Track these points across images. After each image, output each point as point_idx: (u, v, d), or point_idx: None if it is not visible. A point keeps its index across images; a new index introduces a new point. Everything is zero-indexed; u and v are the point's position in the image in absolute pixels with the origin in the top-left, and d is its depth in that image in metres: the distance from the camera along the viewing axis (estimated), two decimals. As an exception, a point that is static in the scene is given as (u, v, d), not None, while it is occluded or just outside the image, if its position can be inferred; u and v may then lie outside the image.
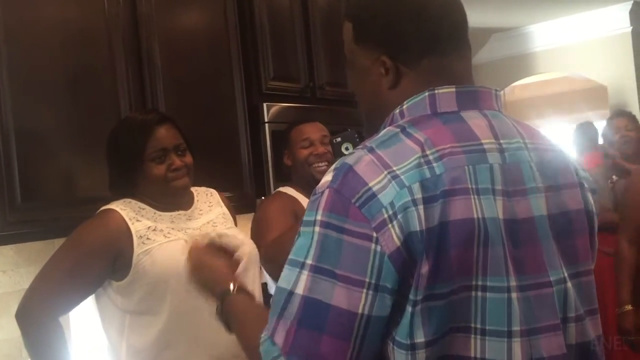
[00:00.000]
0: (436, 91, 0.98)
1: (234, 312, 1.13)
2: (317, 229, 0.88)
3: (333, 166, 0.93)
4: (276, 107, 2.77)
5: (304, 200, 2.27)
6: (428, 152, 0.90)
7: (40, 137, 1.95)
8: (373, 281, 0.85)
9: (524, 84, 7.47)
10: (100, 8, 2.13)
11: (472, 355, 0.88)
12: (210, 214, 1.91)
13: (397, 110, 0.99)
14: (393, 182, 0.87)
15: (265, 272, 2.28)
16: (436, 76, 0.99)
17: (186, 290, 1.65)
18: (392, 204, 0.86)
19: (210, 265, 1.26)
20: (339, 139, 1.93)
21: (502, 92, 1.06)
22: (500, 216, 0.90)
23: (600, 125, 4.59)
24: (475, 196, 0.89)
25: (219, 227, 1.88)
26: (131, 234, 1.71)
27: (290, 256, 0.90)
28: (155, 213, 1.79)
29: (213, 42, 2.58)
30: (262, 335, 0.89)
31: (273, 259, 2.09)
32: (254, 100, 2.73)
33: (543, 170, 0.98)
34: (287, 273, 0.90)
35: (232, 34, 2.64)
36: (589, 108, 7.31)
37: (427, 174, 0.88)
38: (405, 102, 0.99)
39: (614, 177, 3.66)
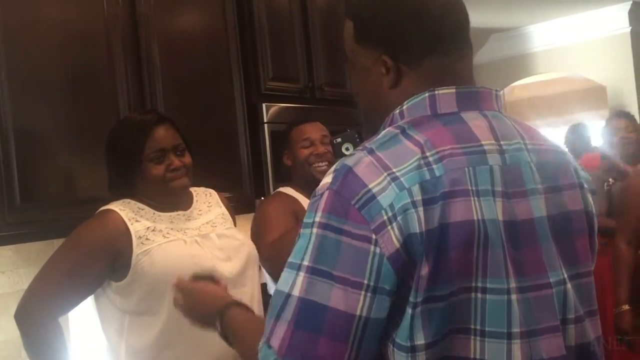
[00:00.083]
0: (436, 92, 0.97)
1: (232, 326, 1.14)
2: (314, 230, 0.87)
3: (333, 168, 0.93)
4: (275, 107, 2.77)
5: (303, 200, 2.27)
6: (428, 154, 0.90)
7: (40, 137, 1.95)
8: (372, 283, 0.85)
9: (523, 84, 7.47)
10: (99, 8, 2.13)
11: (472, 356, 0.88)
12: (209, 214, 1.91)
13: (397, 111, 0.99)
14: (393, 183, 0.87)
15: (265, 273, 2.28)
16: (437, 76, 0.99)
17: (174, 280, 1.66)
18: (391, 205, 0.86)
19: (200, 290, 1.30)
20: (339, 140, 1.93)
21: (501, 93, 1.05)
22: (500, 218, 0.90)
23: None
24: (475, 198, 0.89)
25: (218, 227, 1.88)
26: (130, 234, 1.71)
27: (289, 259, 0.90)
28: (154, 213, 1.79)
29: (212, 43, 2.58)
30: (260, 341, 0.89)
31: (273, 259, 2.09)
32: (253, 100, 2.73)
33: (543, 171, 0.97)
34: (285, 276, 0.89)
35: (231, 34, 2.64)
36: (588, 108, 7.32)
37: (427, 176, 0.88)
38: (405, 103, 0.99)
39: (610, 180, 3.65)
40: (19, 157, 1.86)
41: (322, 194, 0.90)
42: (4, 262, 2.13)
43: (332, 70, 3.14)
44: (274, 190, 2.61)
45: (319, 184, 0.93)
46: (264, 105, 2.72)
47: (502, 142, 0.96)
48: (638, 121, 4.13)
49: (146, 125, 1.77)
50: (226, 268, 1.79)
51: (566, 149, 1.09)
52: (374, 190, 0.87)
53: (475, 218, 0.88)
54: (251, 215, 2.41)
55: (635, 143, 3.79)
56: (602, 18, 6.00)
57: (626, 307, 2.86)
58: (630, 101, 5.83)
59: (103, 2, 2.13)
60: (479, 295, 0.88)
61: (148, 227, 1.74)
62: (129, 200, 1.79)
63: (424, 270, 0.85)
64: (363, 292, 0.84)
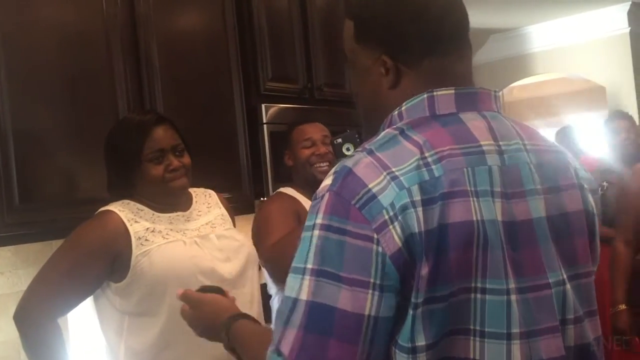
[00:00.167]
0: (435, 93, 0.97)
1: (240, 338, 1.15)
2: (316, 232, 0.87)
3: (332, 170, 0.93)
4: (274, 108, 2.77)
5: (304, 201, 2.27)
6: (427, 154, 0.90)
7: (38, 138, 1.95)
8: (378, 281, 0.84)
9: (522, 84, 7.47)
10: (98, 9, 2.13)
11: (472, 357, 0.88)
12: (208, 215, 1.91)
13: (396, 112, 0.99)
14: (392, 183, 0.87)
15: (265, 273, 2.27)
16: (437, 76, 0.99)
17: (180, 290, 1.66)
18: (392, 205, 0.86)
19: (208, 302, 1.30)
20: (339, 140, 1.92)
21: (500, 93, 1.05)
22: (499, 218, 0.90)
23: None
24: (474, 198, 0.89)
25: (217, 228, 1.88)
26: (129, 235, 1.70)
27: (293, 264, 0.89)
28: (153, 214, 1.79)
29: (211, 43, 2.58)
30: (269, 349, 0.88)
31: (275, 261, 2.09)
32: (253, 101, 2.73)
33: (542, 172, 0.97)
34: (291, 281, 0.88)
35: (230, 34, 2.64)
36: (588, 109, 7.32)
37: (426, 176, 0.88)
38: (404, 104, 0.99)
39: (604, 183, 3.65)
40: (18, 157, 1.86)
41: (322, 196, 0.90)
42: (2, 263, 2.13)
43: (331, 70, 3.14)
44: (273, 191, 2.61)
45: (320, 185, 0.93)
46: (263, 105, 2.72)
47: (501, 143, 0.96)
48: (638, 121, 4.13)
49: (145, 125, 1.77)
50: (225, 269, 1.79)
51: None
52: (374, 190, 0.87)
53: (474, 219, 0.88)
54: (250, 216, 2.40)
55: (636, 143, 3.78)
56: (602, 19, 6.00)
57: (623, 306, 2.88)
58: (630, 102, 5.83)
59: (102, 3, 2.13)
60: (479, 295, 0.88)
61: (147, 228, 1.74)
62: (128, 201, 1.79)
63: (424, 271, 0.85)
64: (370, 291, 0.84)
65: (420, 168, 0.89)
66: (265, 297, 2.22)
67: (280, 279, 2.15)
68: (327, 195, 0.89)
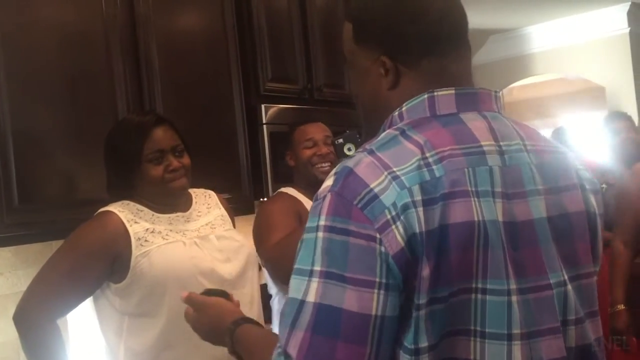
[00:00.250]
0: (435, 93, 0.98)
1: (244, 342, 1.15)
2: (320, 234, 0.87)
3: (333, 171, 0.93)
4: (274, 108, 2.77)
5: (306, 201, 2.26)
6: (427, 155, 0.90)
7: (38, 138, 1.95)
8: (383, 280, 0.84)
9: (522, 85, 7.47)
10: (97, 9, 2.13)
11: (472, 358, 0.88)
12: (208, 215, 1.91)
13: (397, 113, 0.99)
14: (394, 182, 0.87)
15: (265, 273, 2.27)
16: (436, 77, 0.99)
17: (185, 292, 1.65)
18: (394, 204, 0.86)
19: (212, 305, 1.29)
20: (340, 140, 1.92)
21: (501, 93, 1.05)
22: (500, 219, 0.90)
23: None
24: (475, 199, 0.89)
25: (217, 229, 1.88)
26: (129, 236, 1.70)
27: (297, 265, 0.89)
28: (153, 215, 1.78)
29: (211, 44, 2.58)
30: (275, 351, 0.88)
31: (276, 261, 2.08)
32: (252, 101, 2.73)
33: (543, 172, 0.97)
34: (296, 283, 0.88)
35: (230, 35, 2.64)
36: (587, 109, 7.32)
37: (427, 177, 0.88)
38: (404, 105, 0.99)
39: (603, 185, 3.65)
40: (18, 158, 1.86)
41: (324, 197, 0.90)
42: (2, 264, 2.13)
43: (331, 71, 3.14)
44: (273, 191, 2.61)
45: (321, 185, 0.93)
46: (262, 106, 2.72)
47: (501, 143, 0.96)
48: (637, 121, 4.13)
49: (145, 126, 1.77)
50: (225, 270, 1.79)
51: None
52: (376, 190, 0.87)
53: (475, 219, 0.88)
54: (250, 217, 2.40)
55: (635, 142, 3.78)
56: (601, 19, 6.00)
57: (622, 307, 2.89)
58: (629, 102, 5.83)
59: (101, 3, 2.13)
60: (479, 296, 0.88)
61: (147, 229, 1.73)
62: (127, 201, 1.79)
63: (425, 271, 0.85)
64: (376, 291, 0.84)
65: (421, 168, 0.89)
66: (266, 297, 2.22)
67: (281, 279, 2.15)
68: (328, 196, 0.89)
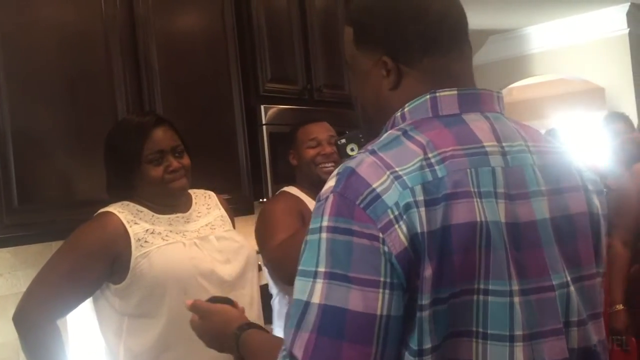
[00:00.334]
0: (437, 94, 0.97)
1: (249, 347, 1.15)
2: (324, 235, 0.87)
3: (335, 171, 0.93)
4: (274, 109, 2.77)
5: (308, 201, 2.26)
6: (430, 155, 0.90)
7: (38, 139, 1.94)
8: (387, 279, 0.84)
9: (521, 85, 7.48)
10: (97, 10, 2.12)
11: (475, 359, 0.88)
12: (208, 216, 1.91)
13: (399, 114, 0.99)
14: (396, 182, 0.87)
15: (266, 274, 2.27)
16: (437, 76, 0.99)
17: (184, 293, 1.65)
18: (397, 204, 0.85)
19: (217, 312, 1.29)
20: (343, 141, 1.92)
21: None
22: (503, 219, 0.90)
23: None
24: (478, 199, 0.89)
25: (217, 229, 1.88)
26: (129, 236, 1.70)
27: (301, 267, 0.89)
28: (153, 216, 1.78)
29: (210, 44, 2.57)
30: (280, 354, 0.88)
31: (279, 261, 2.08)
32: (252, 102, 2.73)
33: (546, 173, 0.97)
34: (300, 284, 0.88)
35: (229, 35, 2.63)
36: (587, 110, 7.33)
37: (429, 177, 0.88)
38: (406, 105, 0.99)
39: (603, 189, 3.64)
40: (17, 158, 1.86)
41: (326, 198, 0.89)
42: (1, 265, 2.13)
43: (330, 71, 3.14)
44: (273, 191, 2.61)
45: (324, 185, 0.93)
46: (262, 107, 2.72)
47: (504, 144, 0.96)
48: (636, 122, 4.14)
49: (144, 126, 1.77)
50: (225, 270, 1.78)
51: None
52: (378, 190, 0.87)
53: (477, 220, 0.87)
54: (250, 217, 2.40)
55: (635, 142, 3.79)
56: (600, 20, 6.01)
57: (620, 307, 2.90)
58: (629, 103, 5.84)
59: (101, 4, 2.13)
60: (481, 297, 0.88)
61: (147, 230, 1.73)
62: (127, 202, 1.79)
63: (427, 272, 0.85)
64: (381, 290, 0.84)
65: (423, 168, 0.88)
66: (266, 297, 2.22)
67: (284, 280, 2.14)
68: (331, 197, 0.89)
